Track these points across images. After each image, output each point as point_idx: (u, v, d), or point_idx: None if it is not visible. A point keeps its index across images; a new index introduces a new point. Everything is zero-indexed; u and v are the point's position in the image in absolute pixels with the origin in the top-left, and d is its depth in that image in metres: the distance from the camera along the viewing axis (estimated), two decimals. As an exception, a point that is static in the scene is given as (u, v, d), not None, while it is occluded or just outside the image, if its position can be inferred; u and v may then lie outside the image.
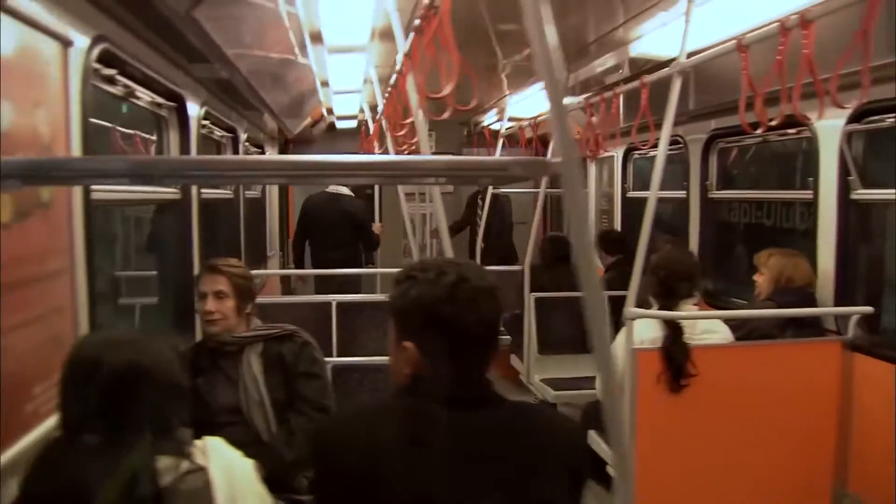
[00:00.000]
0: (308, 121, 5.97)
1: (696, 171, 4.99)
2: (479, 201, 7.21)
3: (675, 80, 3.33)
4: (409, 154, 3.74)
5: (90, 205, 1.99)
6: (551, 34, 1.20)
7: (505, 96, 6.21)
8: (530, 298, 5.01)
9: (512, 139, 6.80)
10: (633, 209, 6.26)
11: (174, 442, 1.49)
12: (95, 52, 2.01)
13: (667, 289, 3.49)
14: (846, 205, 3.65)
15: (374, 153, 5.66)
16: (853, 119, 3.54)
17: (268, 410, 2.71)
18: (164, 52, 2.71)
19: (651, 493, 3.38)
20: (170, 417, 1.51)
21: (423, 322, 1.52)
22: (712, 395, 3.40)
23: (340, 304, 4.65)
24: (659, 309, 3.48)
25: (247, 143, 4.83)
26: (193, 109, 3.21)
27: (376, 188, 6.80)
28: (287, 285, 6.54)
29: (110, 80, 2.28)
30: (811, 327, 3.68)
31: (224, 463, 1.52)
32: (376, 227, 6.37)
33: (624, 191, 6.25)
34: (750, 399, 3.43)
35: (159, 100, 2.88)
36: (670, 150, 5.41)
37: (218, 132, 4.00)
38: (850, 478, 3.55)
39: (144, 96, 2.64)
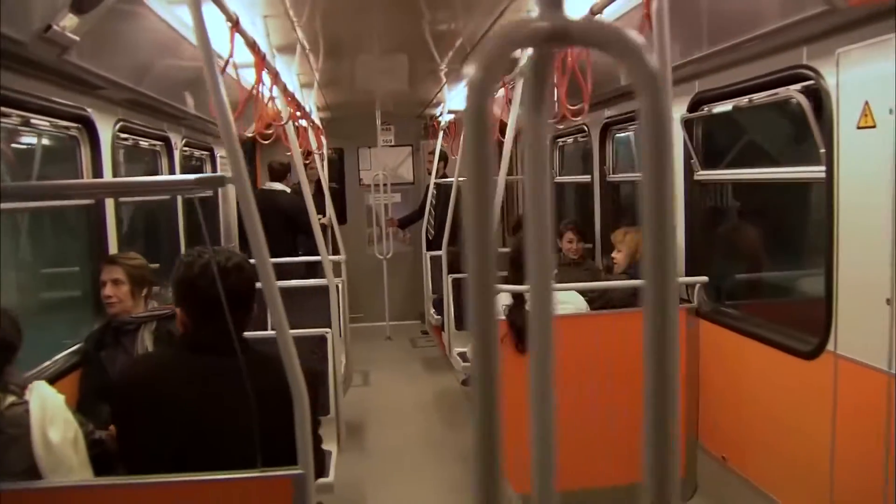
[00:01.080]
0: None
1: (596, 157, 5.43)
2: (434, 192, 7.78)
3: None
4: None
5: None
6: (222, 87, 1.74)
7: (442, 88, 6.71)
8: (448, 280, 5.51)
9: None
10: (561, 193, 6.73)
11: (2, 383, 2.04)
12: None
13: (516, 265, 3.98)
14: (690, 185, 4.09)
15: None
16: (690, 109, 3.97)
17: (156, 377, 3.26)
18: (62, 84, 3.24)
19: (511, 444, 3.86)
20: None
21: (185, 293, 2.08)
22: (567, 360, 3.86)
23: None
24: (510, 282, 3.97)
25: (187, 148, 5.36)
26: (106, 128, 3.74)
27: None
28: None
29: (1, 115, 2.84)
30: (663, 295, 4.11)
31: (41, 397, 2.06)
32: (324, 220, 6.91)
33: (551, 176, 6.69)
34: (604, 362, 3.86)
35: (64, 123, 3.41)
36: (584, 137, 5.85)
37: (146, 143, 4.53)
38: (700, 431, 4.00)
39: (42, 122, 3.18)
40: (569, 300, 3.99)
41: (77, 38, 2.76)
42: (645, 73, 0.75)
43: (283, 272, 6.07)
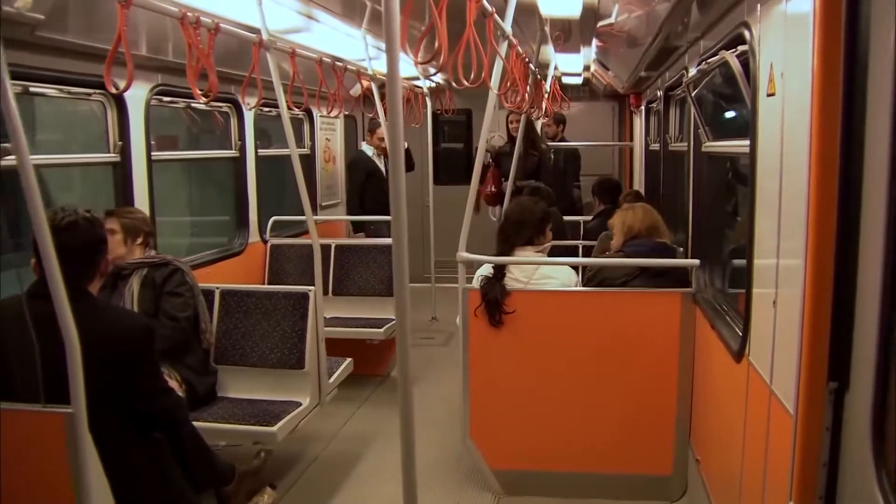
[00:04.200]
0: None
1: (661, 125, 4.99)
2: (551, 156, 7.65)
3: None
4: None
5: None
6: None
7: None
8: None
9: None
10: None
11: None
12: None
13: (504, 235, 3.83)
14: (698, 156, 3.66)
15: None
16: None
17: (137, 317, 3.66)
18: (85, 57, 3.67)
19: (487, 418, 3.78)
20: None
21: (35, 244, 2.36)
22: (548, 337, 3.67)
23: (339, 246, 5.55)
24: (496, 253, 3.83)
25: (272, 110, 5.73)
26: (140, 92, 4.16)
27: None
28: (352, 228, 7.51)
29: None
30: (663, 276, 3.72)
31: None
32: None
33: (646, 144, 6.25)
34: (588, 342, 3.64)
35: (90, 91, 3.88)
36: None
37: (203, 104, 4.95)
38: (692, 428, 3.63)
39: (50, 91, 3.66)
40: (555, 275, 3.79)
41: (42, 17, 3.14)
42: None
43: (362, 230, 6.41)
